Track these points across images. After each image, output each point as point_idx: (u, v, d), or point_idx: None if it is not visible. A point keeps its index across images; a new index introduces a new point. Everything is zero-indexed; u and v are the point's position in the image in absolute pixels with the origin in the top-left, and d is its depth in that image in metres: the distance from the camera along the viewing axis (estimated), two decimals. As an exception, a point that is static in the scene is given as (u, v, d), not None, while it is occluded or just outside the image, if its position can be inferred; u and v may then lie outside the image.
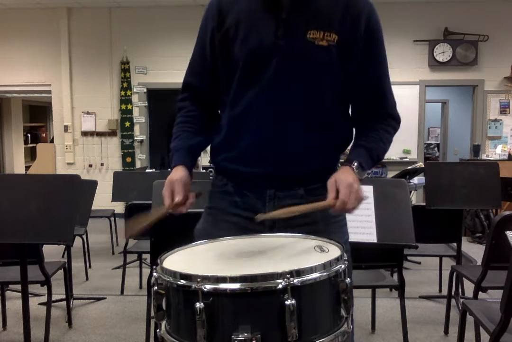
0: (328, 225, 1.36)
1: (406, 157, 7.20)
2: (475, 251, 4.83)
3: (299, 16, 1.28)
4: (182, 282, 0.95)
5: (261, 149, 1.33)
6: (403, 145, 7.22)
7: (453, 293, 3.14)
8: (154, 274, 1.02)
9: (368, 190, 2.20)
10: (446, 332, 3.02)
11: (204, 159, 7.21)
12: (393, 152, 7.21)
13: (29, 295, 2.50)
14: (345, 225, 1.45)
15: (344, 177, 1.21)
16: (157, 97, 7.61)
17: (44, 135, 10.93)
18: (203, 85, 1.42)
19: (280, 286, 0.90)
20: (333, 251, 1.07)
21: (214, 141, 1.42)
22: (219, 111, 1.45)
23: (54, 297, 2.95)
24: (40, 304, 3.40)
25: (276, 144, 1.32)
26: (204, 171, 6.32)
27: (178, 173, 1.30)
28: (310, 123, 1.32)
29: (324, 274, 0.95)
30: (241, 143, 1.34)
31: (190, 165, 1.36)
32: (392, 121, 1.40)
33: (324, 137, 1.34)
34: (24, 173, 8.83)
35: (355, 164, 1.28)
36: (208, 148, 1.46)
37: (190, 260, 1.12)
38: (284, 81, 1.30)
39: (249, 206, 1.36)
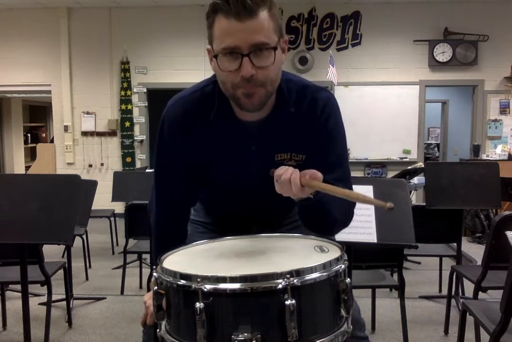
0: None
1: (406, 157, 7.20)
2: (475, 251, 4.83)
3: (268, 144, 1.31)
4: (182, 282, 0.95)
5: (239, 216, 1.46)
6: (403, 145, 7.22)
7: (453, 293, 3.13)
8: (154, 274, 1.02)
9: (368, 190, 2.20)
10: (446, 332, 3.02)
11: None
12: (393, 152, 7.21)
13: (29, 295, 2.50)
14: None
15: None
16: (157, 97, 7.60)
17: (44, 135, 10.92)
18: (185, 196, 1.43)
19: (280, 286, 0.90)
20: (333, 251, 1.07)
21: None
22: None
23: (54, 297, 2.95)
24: (40, 304, 3.40)
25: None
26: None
27: None
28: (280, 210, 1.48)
29: (324, 274, 0.95)
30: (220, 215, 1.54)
31: None
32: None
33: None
34: (24, 173, 8.82)
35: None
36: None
37: (190, 260, 1.12)
38: (257, 198, 1.37)
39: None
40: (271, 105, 1.27)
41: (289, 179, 1.08)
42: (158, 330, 1.03)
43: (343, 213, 1.27)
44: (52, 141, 8.45)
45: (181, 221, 1.45)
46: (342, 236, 2.06)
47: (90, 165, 7.46)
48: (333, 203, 1.19)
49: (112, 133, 7.38)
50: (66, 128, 7.40)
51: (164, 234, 1.43)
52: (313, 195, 1.13)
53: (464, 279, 3.13)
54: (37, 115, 10.99)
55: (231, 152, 1.32)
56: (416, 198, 6.79)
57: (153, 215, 1.44)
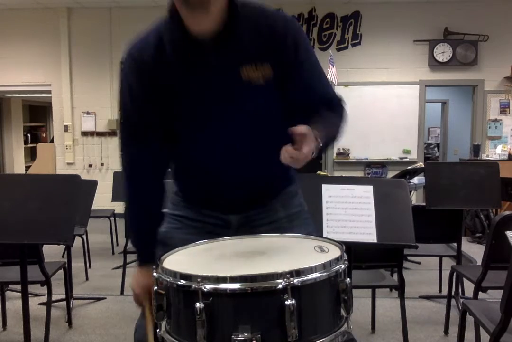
0: (291, 221, 1.41)
1: (406, 157, 7.20)
2: (475, 251, 4.83)
3: (229, 57, 1.25)
4: (182, 282, 0.95)
5: (216, 183, 1.36)
6: (403, 145, 7.22)
7: (453, 293, 3.13)
8: (154, 274, 1.02)
9: (368, 190, 2.20)
10: (446, 332, 3.02)
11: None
12: (393, 152, 7.21)
13: (29, 295, 2.50)
14: (308, 218, 1.48)
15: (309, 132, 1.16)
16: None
17: (44, 135, 10.92)
18: (149, 133, 1.36)
19: (280, 286, 0.90)
20: (333, 251, 1.07)
21: (173, 166, 1.45)
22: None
23: (54, 297, 2.95)
24: (40, 304, 3.40)
25: (231, 176, 1.34)
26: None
27: (144, 280, 1.39)
28: (259, 151, 1.33)
29: (324, 274, 0.95)
30: (197, 180, 1.39)
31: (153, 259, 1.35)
32: (338, 107, 1.38)
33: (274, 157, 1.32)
34: (24, 173, 8.82)
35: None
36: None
37: (190, 260, 1.12)
38: (228, 124, 1.30)
39: (215, 214, 1.41)
40: (225, 18, 1.22)
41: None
42: (158, 330, 1.03)
43: (339, 121, 1.33)
44: (52, 141, 8.45)
45: (154, 172, 1.39)
46: (342, 236, 2.07)
47: (90, 165, 7.46)
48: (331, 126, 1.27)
49: (112, 133, 7.37)
50: (66, 128, 7.40)
51: (137, 188, 1.39)
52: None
53: (464, 279, 3.13)
54: (37, 115, 10.99)
55: (192, 74, 1.26)
56: (416, 198, 6.79)
57: (124, 174, 1.40)
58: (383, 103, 7.17)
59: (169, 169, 1.45)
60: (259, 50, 1.26)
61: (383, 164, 7.27)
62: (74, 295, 3.59)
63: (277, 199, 1.42)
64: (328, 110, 1.32)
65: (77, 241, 3.45)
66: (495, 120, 7.26)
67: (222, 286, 0.91)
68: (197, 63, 1.26)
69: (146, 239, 1.44)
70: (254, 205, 1.39)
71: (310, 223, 1.48)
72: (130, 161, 1.39)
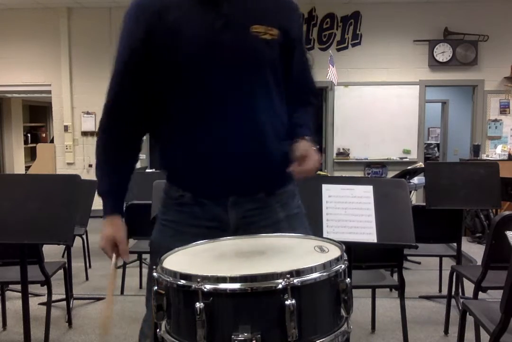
0: (290, 223, 1.38)
1: (406, 157, 7.20)
2: (475, 251, 4.83)
3: (241, 11, 1.28)
4: (182, 282, 0.95)
5: (216, 149, 1.31)
6: (403, 145, 7.22)
7: (453, 293, 3.13)
8: (154, 274, 1.02)
9: (368, 190, 2.20)
10: (446, 332, 3.02)
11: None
12: (393, 152, 7.21)
13: (29, 295, 2.50)
14: (306, 221, 1.47)
15: (310, 149, 1.28)
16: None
17: (44, 135, 10.92)
18: (133, 100, 1.37)
19: (280, 286, 0.90)
20: (333, 251, 1.07)
21: (162, 146, 1.40)
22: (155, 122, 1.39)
23: (54, 297, 2.94)
24: (40, 304, 3.40)
25: (230, 143, 1.31)
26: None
27: (116, 228, 1.36)
28: (265, 118, 1.32)
29: (324, 274, 0.95)
30: (194, 144, 1.32)
31: (122, 210, 1.38)
32: (312, 97, 1.50)
33: (278, 132, 1.36)
34: (24, 173, 8.82)
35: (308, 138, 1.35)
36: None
37: (190, 260, 1.12)
38: (232, 78, 1.28)
39: (210, 215, 1.34)
40: None
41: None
42: (158, 330, 1.03)
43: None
44: (52, 141, 8.45)
45: (131, 124, 1.38)
46: (342, 236, 2.07)
47: (90, 165, 7.45)
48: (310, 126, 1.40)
49: (112, 133, 7.37)
50: (66, 128, 7.40)
51: (112, 131, 1.39)
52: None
53: (464, 279, 3.13)
54: (37, 115, 10.98)
55: (201, 21, 1.26)
56: (416, 198, 6.79)
57: (103, 114, 1.43)
58: (383, 103, 7.17)
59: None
60: (271, 13, 1.31)
61: (383, 164, 7.27)
62: (74, 295, 3.59)
63: (275, 198, 1.37)
64: (310, 103, 1.46)
65: (77, 241, 3.45)
66: (495, 120, 7.26)
67: (222, 286, 0.91)
68: (207, 11, 1.27)
69: (112, 186, 1.41)
70: (252, 189, 1.34)
71: (308, 227, 1.45)
72: (112, 110, 1.43)
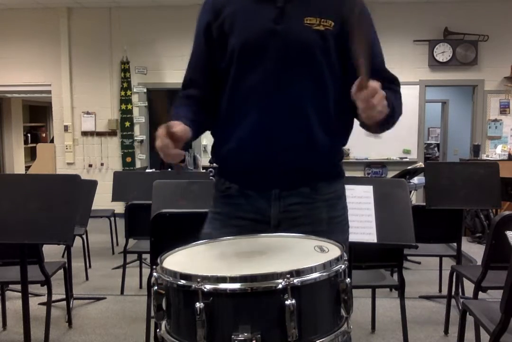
0: (330, 225, 1.36)
1: (406, 157, 7.20)
2: (475, 251, 4.83)
3: (295, 5, 1.31)
4: (182, 282, 0.95)
5: (263, 139, 1.32)
6: (403, 145, 7.22)
7: (453, 293, 3.13)
8: (154, 274, 1.02)
9: (368, 190, 2.20)
10: (446, 332, 3.02)
11: (204, 159, 7.22)
12: (393, 152, 7.21)
13: (29, 295, 2.50)
14: (346, 223, 1.44)
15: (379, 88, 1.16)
16: (157, 97, 7.61)
17: (44, 135, 10.93)
18: (204, 81, 1.41)
19: (280, 286, 0.90)
20: (333, 251, 1.07)
21: (215, 137, 1.43)
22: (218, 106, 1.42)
23: (54, 297, 2.94)
24: (40, 304, 3.40)
25: (278, 133, 1.31)
26: (204, 170, 6.31)
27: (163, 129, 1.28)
28: (314, 111, 1.31)
29: (324, 274, 0.95)
30: (242, 132, 1.33)
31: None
32: (397, 86, 1.47)
33: (327, 126, 1.33)
34: (24, 173, 8.82)
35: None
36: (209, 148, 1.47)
37: (190, 260, 1.12)
38: (284, 68, 1.30)
39: (255, 207, 1.36)
40: None
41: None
42: (158, 330, 1.03)
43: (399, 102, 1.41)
44: (52, 141, 8.45)
45: (204, 101, 1.41)
46: (342, 236, 2.06)
47: (90, 165, 7.46)
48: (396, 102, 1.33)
49: (112, 133, 7.38)
50: (66, 128, 7.40)
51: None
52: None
53: (464, 279, 3.13)
54: (37, 115, 10.99)
55: (255, 16, 1.32)
56: (416, 198, 6.79)
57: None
58: (383, 103, 7.15)
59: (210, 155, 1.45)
60: (327, 6, 1.32)
61: (383, 164, 7.27)
62: (74, 295, 3.59)
63: (323, 197, 1.36)
64: (396, 91, 1.42)
65: (77, 241, 3.45)
66: (495, 120, 7.26)
67: (222, 286, 0.91)
68: (264, 5, 1.32)
69: (180, 111, 1.40)
70: (296, 183, 1.33)
71: (347, 230, 1.43)
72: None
